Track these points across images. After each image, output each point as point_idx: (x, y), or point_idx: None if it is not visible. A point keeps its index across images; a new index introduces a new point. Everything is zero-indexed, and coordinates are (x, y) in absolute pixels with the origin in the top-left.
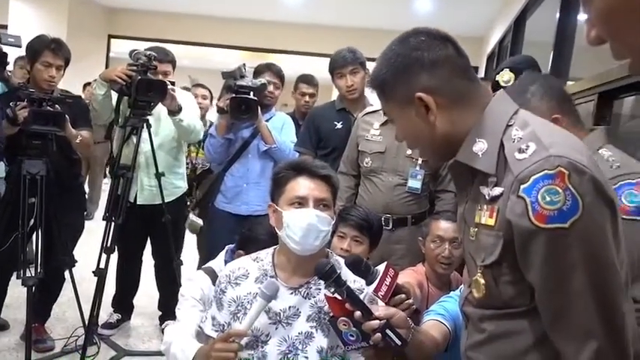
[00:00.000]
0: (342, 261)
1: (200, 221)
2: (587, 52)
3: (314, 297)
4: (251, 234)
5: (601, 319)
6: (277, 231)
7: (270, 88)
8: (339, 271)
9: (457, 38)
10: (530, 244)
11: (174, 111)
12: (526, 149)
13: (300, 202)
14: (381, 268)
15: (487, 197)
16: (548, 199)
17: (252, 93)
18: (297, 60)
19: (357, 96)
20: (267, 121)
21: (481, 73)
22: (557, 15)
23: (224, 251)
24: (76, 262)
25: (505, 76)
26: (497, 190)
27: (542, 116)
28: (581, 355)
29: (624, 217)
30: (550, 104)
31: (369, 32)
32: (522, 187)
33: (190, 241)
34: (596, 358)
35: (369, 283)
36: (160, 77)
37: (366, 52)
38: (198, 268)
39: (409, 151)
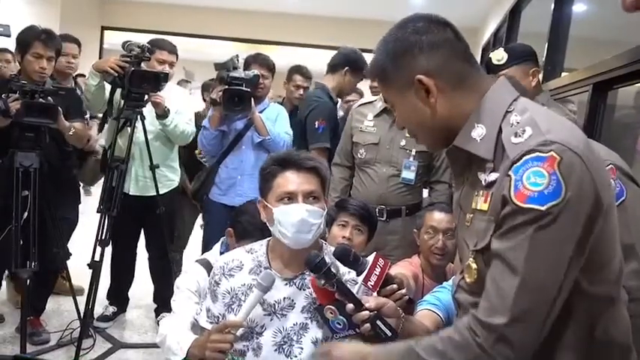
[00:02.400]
0: None
1: None
2: (581, 43)
3: (309, 288)
4: (243, 226)
5: (521, 303)
6: (269, 226)
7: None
8: (329, 263)
9: None
10: (505, 218)
11: (161, 115)
12: (522, 133)
13: (289, 198)
14: (370, 258)
15: (483, 183)
16: (532, 180)
17: (244, 85)
18: (293, 51)
19: None
20: (260, 112)
21: None
22: (552, 6)
23: (219, 243)
24: (71, 255)
25: (498, 55)
26: (493, 176)
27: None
28: (491, 322)
29: None
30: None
31: (363, 23)
32: (514, 166)
33: (196, 235)
34: (499, 333)
35: (358, 274)
36: (167, 67)
37: (360, 44)
38: None
39: (403, 142)
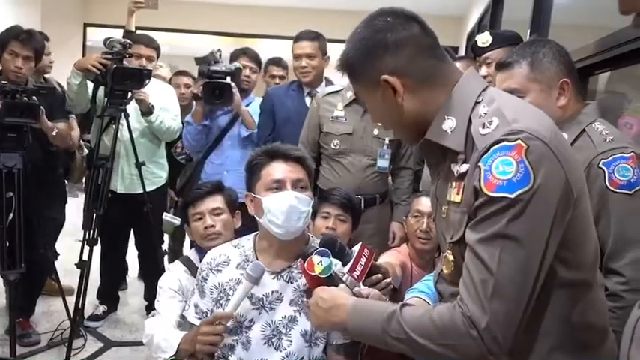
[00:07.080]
0: None
1: (176, 221)
2: (562, 29)
3: (296, 281)
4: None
5: (497, 303)
6: (258, 219)
7: (247, 72)
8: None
9: (436, 18)
10: (478, 209)
11: (145, 112)
12: (490, 124)
13: (278, 186)
14: (356, 248)
15: (456, 174)
16: (500, 169)
17: (228, 77)
18: (277, 44)
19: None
20: (246, 106)
21: (461, 53)
22: None
23: None
24: (58, 255)
25: (483, 38)
26: (464, 167)
27: (552, 78)
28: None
29: (615, 190)
30: (559, 67)
31: (347, 15)
32: (482, 157)
33: None
34: (462, 317)
35: (344, 264)
36: (144, 62)
37: (342, 34)
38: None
39: (376, 132)
